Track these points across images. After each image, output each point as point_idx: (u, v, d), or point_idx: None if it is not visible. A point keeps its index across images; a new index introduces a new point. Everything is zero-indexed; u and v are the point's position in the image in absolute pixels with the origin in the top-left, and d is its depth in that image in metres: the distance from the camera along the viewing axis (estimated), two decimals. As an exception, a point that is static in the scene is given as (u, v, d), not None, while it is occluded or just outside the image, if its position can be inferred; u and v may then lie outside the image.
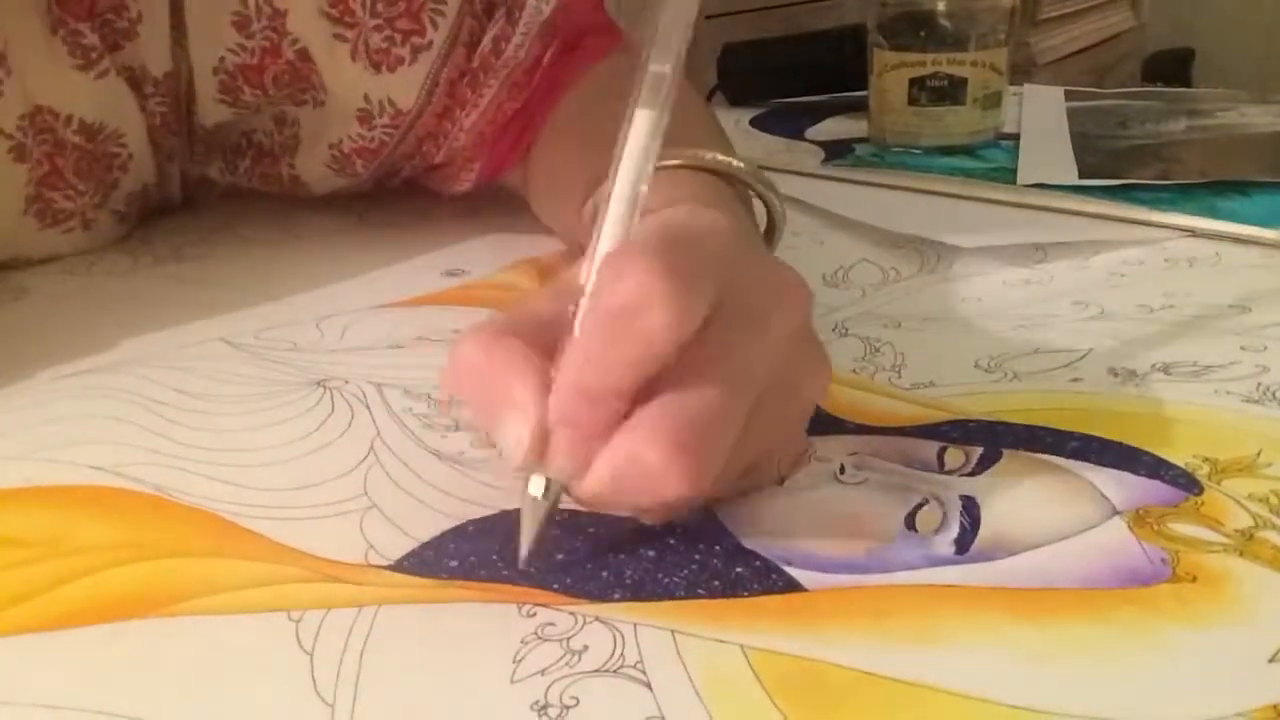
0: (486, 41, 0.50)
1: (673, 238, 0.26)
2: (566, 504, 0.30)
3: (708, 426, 0.25)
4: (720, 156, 0.37)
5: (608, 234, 0.26)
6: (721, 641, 0.24)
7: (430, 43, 0.49)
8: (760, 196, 0.38)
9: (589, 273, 0.26)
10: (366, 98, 0.50)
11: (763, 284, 0.27)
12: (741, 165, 0.37)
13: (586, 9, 0.53)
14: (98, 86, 0.48)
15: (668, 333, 0.24)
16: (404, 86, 0.49)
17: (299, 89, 0.50)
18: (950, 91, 0.67)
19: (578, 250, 0.48)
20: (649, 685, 0.23)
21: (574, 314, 0.26)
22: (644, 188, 0.26)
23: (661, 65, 0.26)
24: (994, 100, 0.68)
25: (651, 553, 0.27)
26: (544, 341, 0.26)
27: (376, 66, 0.49)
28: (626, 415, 0.25)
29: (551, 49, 0.51)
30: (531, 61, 0.51)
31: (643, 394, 0.25)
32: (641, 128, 0.26)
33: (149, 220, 0.57)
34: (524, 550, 0.26)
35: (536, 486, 0.26)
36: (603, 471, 0.24)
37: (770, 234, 0.39)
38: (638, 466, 0.24)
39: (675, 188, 0.34)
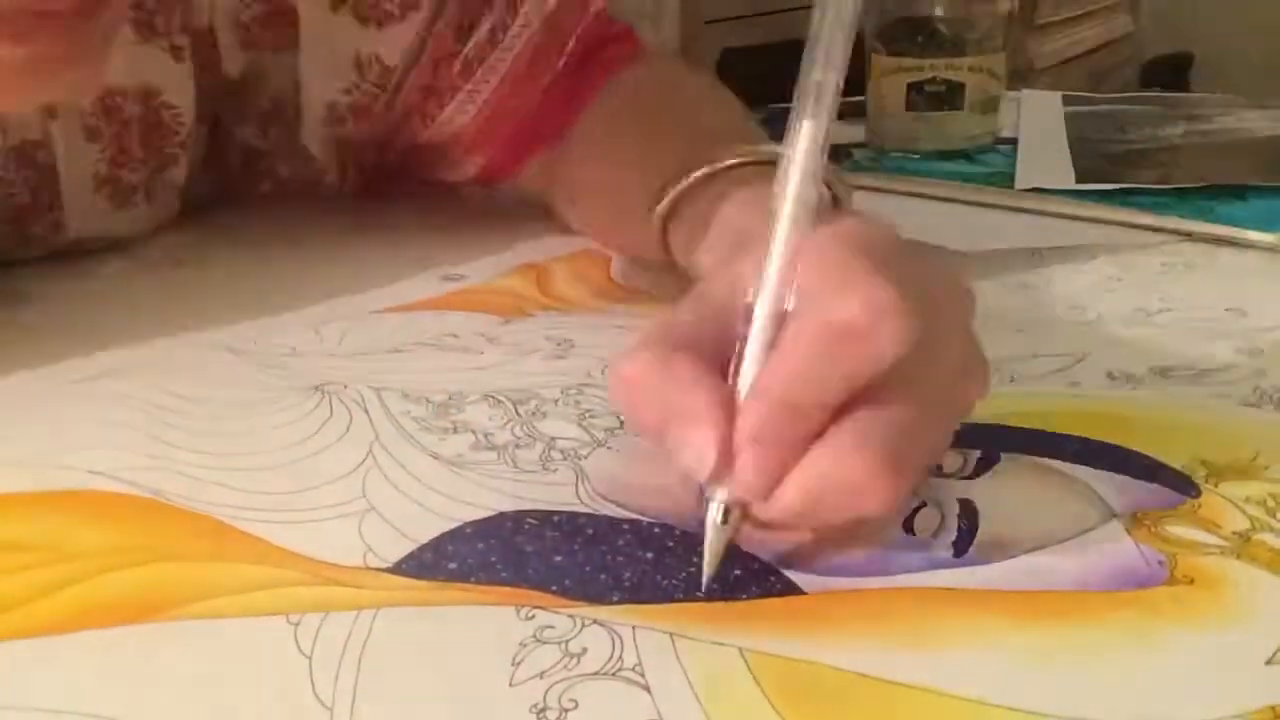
0: (483, 30, 0.50)
1: (876, 252, 0.25)
2: (567, 504, 0.30)
3: (910, 439, 0.24)
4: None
5: (781, 247, 0.26)
6: (720, 644, 0.24)
7: (419, 4, 0.49)
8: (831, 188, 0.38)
9: (760, 285, 0.26)
10: (358, 53, 0.50)
11: (934, 292, 0.27)
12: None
13: (599, 19, 0.53)
14: (147, 51, 0.49)
15: (896, 349, 0.24)
16: (391, 43, 0.50)
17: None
18: (948, 96, 0.67)
19: (634, 260, 0.48)
20: (648, 688, 0.23)
21: (747, 326, 0.26)
22: (814, 201, 0.26)
23: (822, 74, 0.26)
24: (992, 105, 0.68)
25: (650, 555, 0.28)
26: (709, 355, 0.25)
27: (364, 21, 0.49)
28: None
29: (568, 54, 0.51)
30: (533, 54, 0.51)
31: (836, 412, 0.24)
32: (805, 139, 0.26)
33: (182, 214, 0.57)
34: (706, 575, 0.26)
35: (717, 510, 0.25)
36: (800, 488, 0.24)
37: None
38: (841, 482, 0.24)
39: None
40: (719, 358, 0.26)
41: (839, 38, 0.26)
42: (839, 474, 0.24)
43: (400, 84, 0.51)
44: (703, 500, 0.26)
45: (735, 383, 0.25)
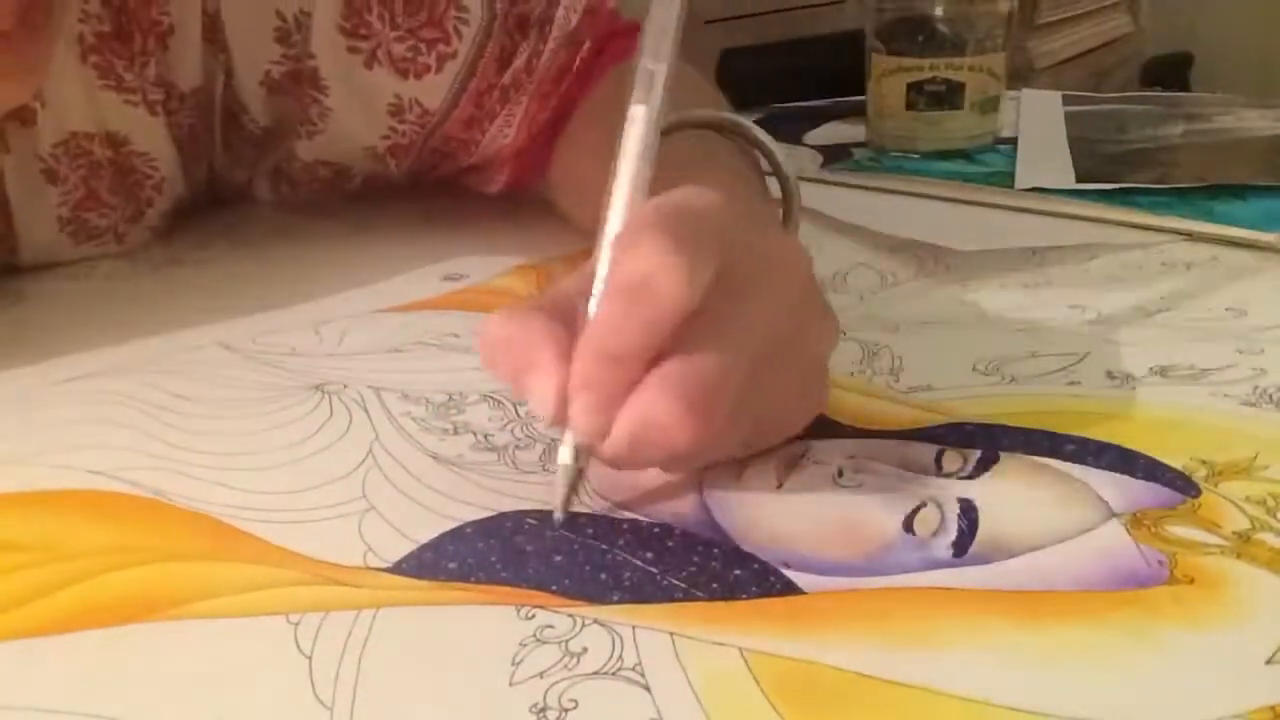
0: (520, 60, 0.50)
1: (674, 215, 0.28)
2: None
3: (710, 383, 0.26)
4: (721, 114, 0.39)
5: (614, 219, 0.29)
6: (720, 644, 0.24)
7: (456, 52, 0.49)
8: (758, 148, 0.40)
9: (599, 254, 0.29)
10: (396, 95, 0.50)
11: (760, 254, 0.29)
12: (734, 118, 0.39)
13: (610, 16, 0.54)
14: (120, 101, 0.49)
15: (677, 299, 0.26)
16: (431, 91, 0.50)
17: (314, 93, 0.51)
18: (948, 96, 0.67)
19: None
20: (648, 688, 0.23)
21: (590, 291, 0.28)
22: (646, 175, 0.29)
23: (653, 63, 0.29)
24: (992, 105, 0.68)
25: (650, 555, 0.28)
26: (566, 318, 0.28)
27: (404, 74, 0.49)
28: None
29: (581, 55, 0.52)
30: (557, 71, 0.51)
31: (654, 361, 0.27)
32: (637, 122, 0.29)
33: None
34: (557, 513, 0.29)
35: (565, 455, 0.28)
36: (621, 431, 0.27)
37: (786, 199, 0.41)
38: (651, 424, 0.26)
39: (677, 153, 0.37)
40: (575, 322, 0.28)
41: (668, 32, 0.29)
42: (650, 416, 0.26)
43: (441, 124, 0.51)
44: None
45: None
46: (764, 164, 0.41)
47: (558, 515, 0.29)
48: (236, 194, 0.58)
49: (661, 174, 0.41)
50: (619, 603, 0.26)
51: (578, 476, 0.29)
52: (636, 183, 0.29)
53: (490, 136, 0.52)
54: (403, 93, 0.50)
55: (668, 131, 0.41)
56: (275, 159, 0.55)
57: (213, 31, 0.49)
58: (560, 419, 0.27)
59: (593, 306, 0.28)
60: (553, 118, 0.53)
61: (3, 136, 0.47)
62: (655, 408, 0.26)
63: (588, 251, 0.51)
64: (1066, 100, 0.80)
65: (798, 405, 0.32)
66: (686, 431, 0.26)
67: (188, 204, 0.56)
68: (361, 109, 0.51)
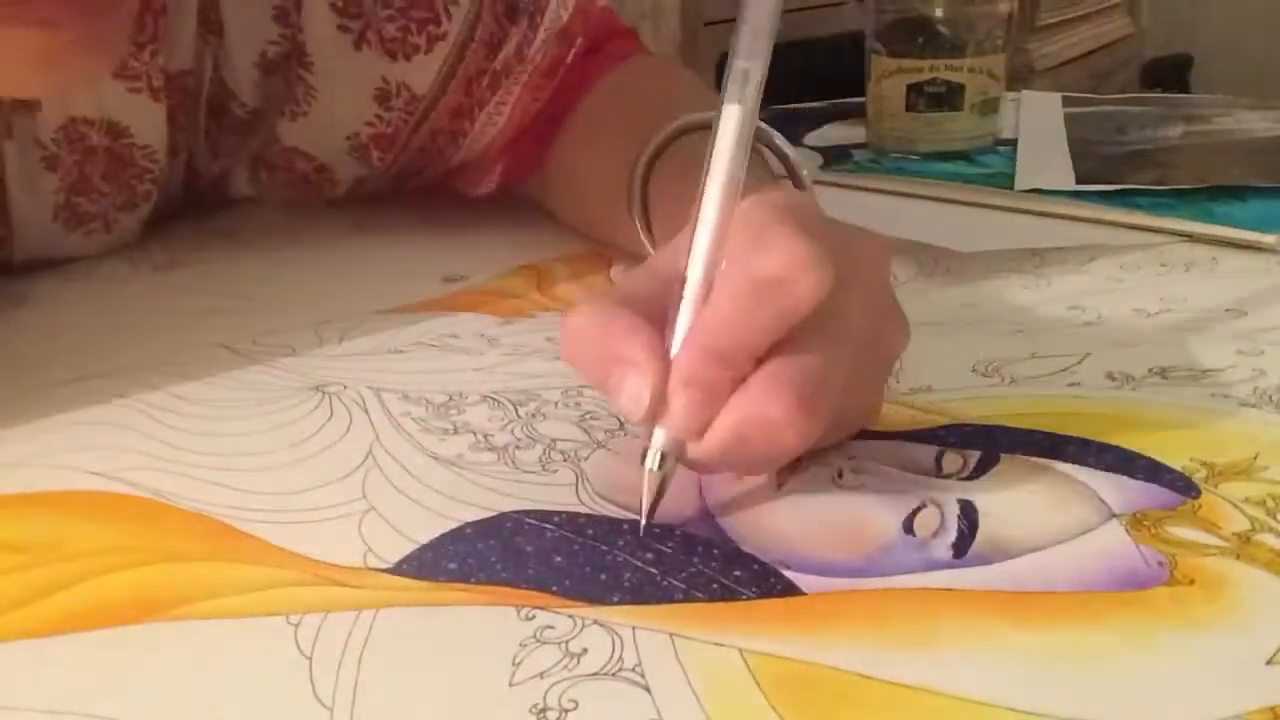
0: (510, 46, 0.50)
1: (795, 215, 0.28)
2: (567, 505, 0.30)
3: (820, 381, 0.27)
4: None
5: (707, 217, 0.28)
6: (720, 645, 0.24)
7: (446, 33, 0.49)
8: (769, 148, 0.42)
9: (691, 253, 0.28)
10: (384, 79, 0.50)
11: (851, 247, 0.29)
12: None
13: (603, 14, 0.54)
14: (124, 89, 0.49)
15: (813, 297, 0.26)
16: (420, 73, 0.50)
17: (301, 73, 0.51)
18: (948, 97, 0.67)
19: (605, 245, 0.49)
20: (648, 688, 0.23)
21: (681, 288, 0.28)
22: (739, 176, 0.28)
23: (747, 61, 0.28)
24: (991, 106, 0.68)
25: (650, 556, 0.28)
26: (650, 314, 0.28)
27: (392, 55, 0.49)
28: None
29: (574, 52, 0.52)
30: (550, 63, 0.51)
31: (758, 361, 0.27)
32: (730, 120, 0.28)
33: (150, 226, 0.57)
34: (644, 517, 0.28)
35: (654, 460, 0.27)
36: (726, 428, 0.26)
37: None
38: (760, 421, 0.26)
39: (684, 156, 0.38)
40: (659, 320, 0.28)
41: (763, 30, 0.28)
42: (759, 413, 0.26)
43: (429, 111, 0.51)
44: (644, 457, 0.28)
45: (669, 341, 0.27)
46: (772, 163, 0.42)
47: (644, 523, 0.28)
48: (212, 189, 0.57)
49: (670, 176, 0.41)
50: (619, 603, 0.26)
51: (665, 483, 0.28)
52: (729, 183, 0.28)
53: (479, 127, 0.52)
54: (390, 76, 0.50)
55: (677, 135, 0.42)
56: (256, 144, 0.54)
57: (208, 10, 0.49)
58: (654, 417, 0.27)
59: (687, 305, 0.27)
60: (545, 114, 0.53)
61: (7, 122, 0.47)
62: (767, 406, 0.26)
63: (587, 251, 0.51)
64: (1066, 102, 0.80)
65: (867, 404, 0.32)
66: (796, 430, 0.26)
67: (170, 200, 0.56)
68: (347, 92, 0.50)
